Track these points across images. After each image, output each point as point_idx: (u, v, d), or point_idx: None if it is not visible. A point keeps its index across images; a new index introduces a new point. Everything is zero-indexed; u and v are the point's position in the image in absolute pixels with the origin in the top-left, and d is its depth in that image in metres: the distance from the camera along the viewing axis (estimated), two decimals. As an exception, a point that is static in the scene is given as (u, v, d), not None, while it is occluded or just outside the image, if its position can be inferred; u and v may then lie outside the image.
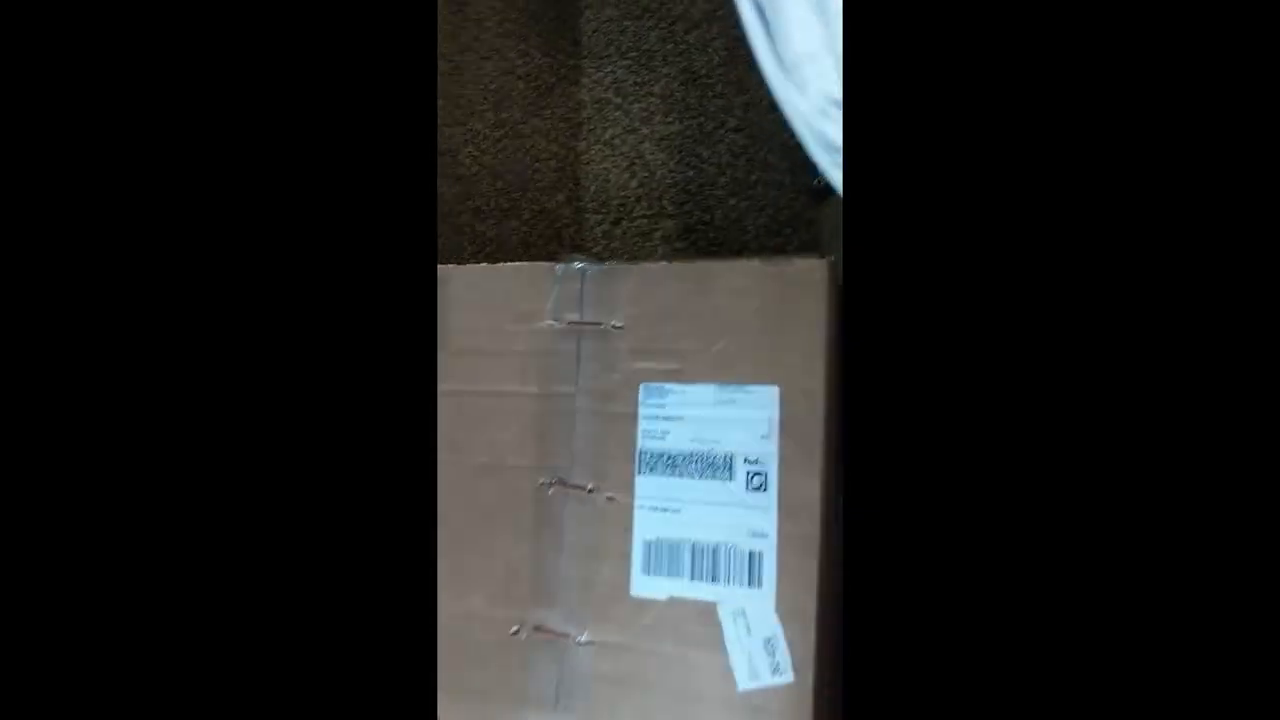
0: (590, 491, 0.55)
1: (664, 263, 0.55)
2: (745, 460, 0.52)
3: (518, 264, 0.58)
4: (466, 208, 0.87)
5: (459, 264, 0.60)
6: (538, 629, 0.55)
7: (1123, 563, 0.22)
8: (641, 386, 0.54)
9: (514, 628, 0.55)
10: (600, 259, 0.57)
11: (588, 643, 0.54)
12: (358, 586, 0.27)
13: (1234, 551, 0.22)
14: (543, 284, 0.57)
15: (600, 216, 0.82)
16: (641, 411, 0.54)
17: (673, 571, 0.53)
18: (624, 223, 0.81)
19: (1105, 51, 0.23)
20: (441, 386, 0.57)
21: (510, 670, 0.55)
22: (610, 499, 0.54)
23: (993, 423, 0.24)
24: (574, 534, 0.55)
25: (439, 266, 0.60)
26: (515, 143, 0.86)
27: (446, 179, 0.87)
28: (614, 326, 0.55)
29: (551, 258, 0.58)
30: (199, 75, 0.26)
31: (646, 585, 0.53)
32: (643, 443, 0.54)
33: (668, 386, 0.54)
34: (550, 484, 0.55)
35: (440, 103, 0.88)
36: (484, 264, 0.59)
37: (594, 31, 0.84)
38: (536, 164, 0.85)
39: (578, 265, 0.57)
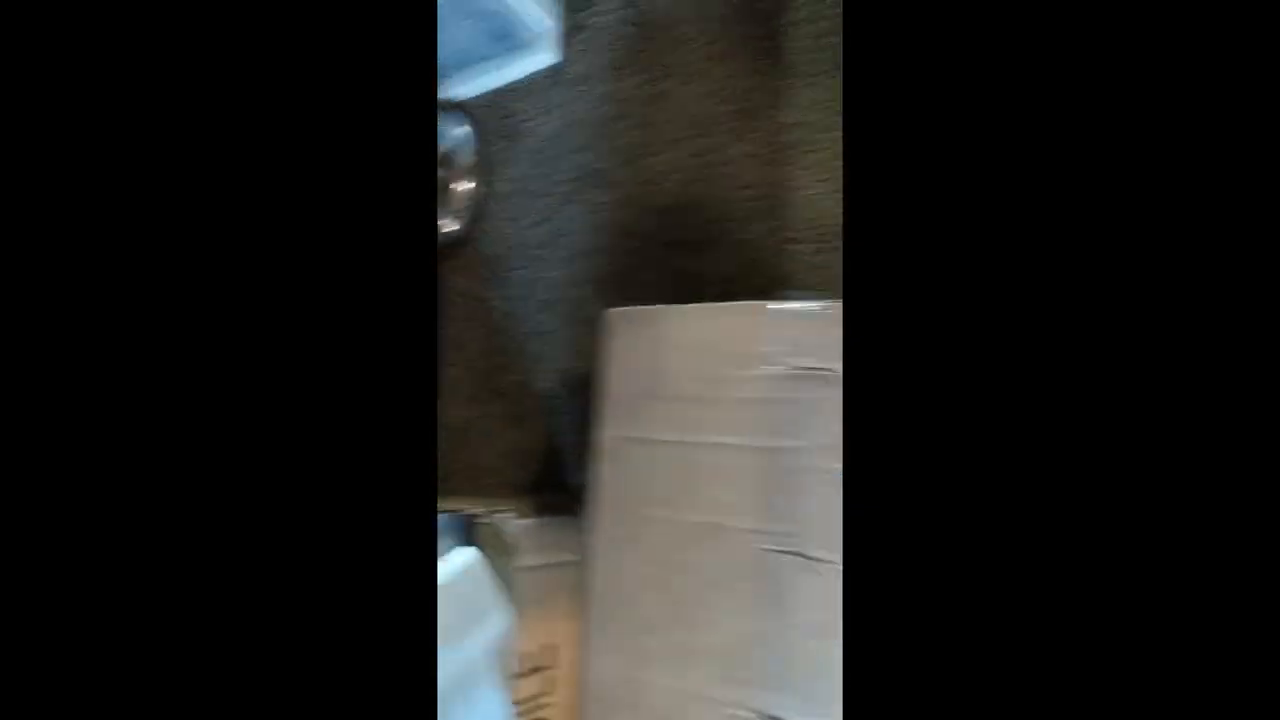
0: (826, 563, 0.48)
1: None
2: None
3: (732, 303, 0.53)
4: (666, 239, 0.83)
5: (659, 299, 0.56)
6: (763, 717, 0.48)
7: (1121, 564, 0.23)
8: (886, 442, 0.46)
9: (737, 712, 0.49)
10: (818, 294, 0.51)
11: (826, 738, 0.47)
12: (355, 601, 0.26)
13: (1234, 551, 0.22)
14: (759, 324, 0.51)
15: (807, 247, 0.75)
16: (887, 471, 0.46)
17: (928, 663, 0.44)
18: (833, 253, 0.74)
19: (1105, 57, 0.24)
20: (658, 435, 0.53)
21: (735, 760, 0.49)
22: (850, 572, 0.47)
23: (989, 423, 0.24)
24: (808, 611, 0.48)
25: (653, 307, 0.56)
26: (717, 171, 0.81)
27: (646, 211, 0.85)
28: (838, 374, 0.48)
29: (761, 293, 0.52)
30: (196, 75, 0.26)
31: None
32: (889, 508, 0.46)
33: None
34: (778, 552, 0.49)
35: (640, 131, 0.86)
36: (696, 302, 0.54)
37: (802, 48, 0.78)
38: (738, 192, 0.80)
39: (796, 303, 0.51)
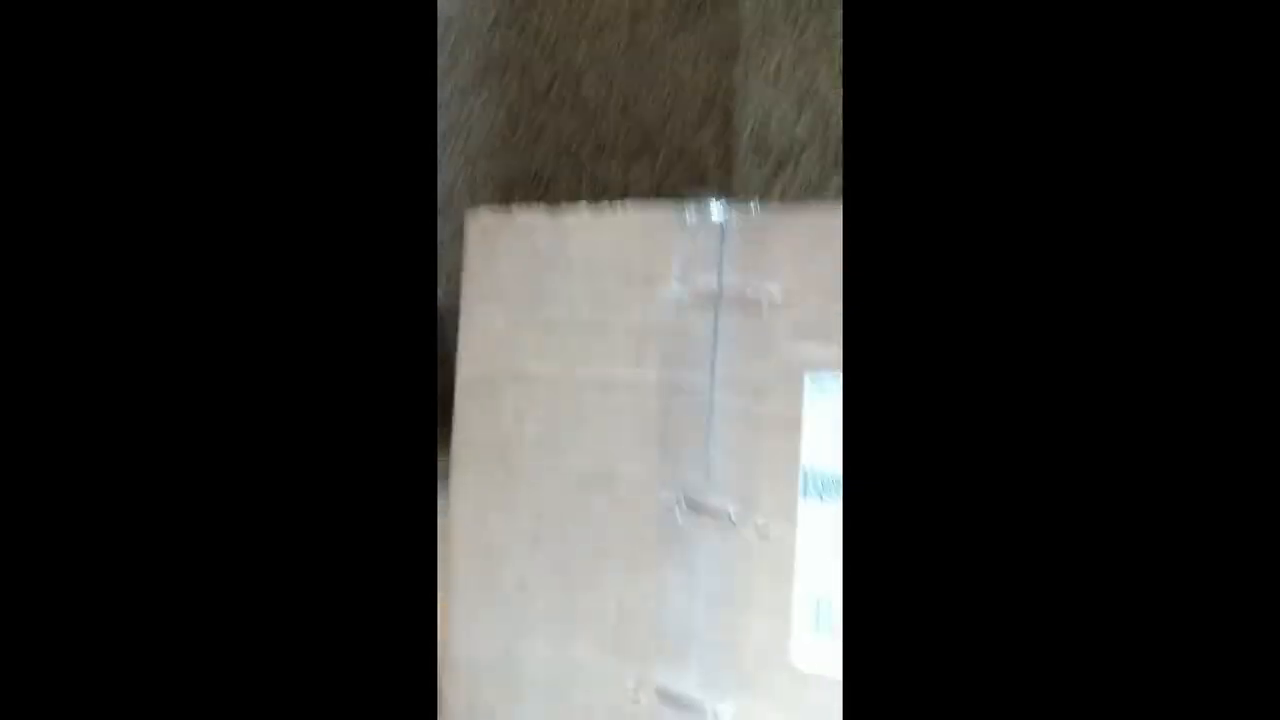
0: (733, 520, 0.40)
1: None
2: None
3: (633, 207, 0.43)
4: (588, 143, 0.73)
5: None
6: (661, 694, 0.42)
7: (1123, 566, 0.23)
8: (807, 380, 0.38)
9: (630, 687, 0.42)
10: (742, 199, 0.42)
11: (729, 720, 0.40)
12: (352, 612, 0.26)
13: (1234, 551, 0.22)
14: (668, 235, 0.42)
15: (758, 160, 0.66)
16: (808, 415, 0.38)
17: (848, 637, 0.38)
18: (789, 170, 0.64)
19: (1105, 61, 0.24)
20: (534, 369, 0.44)
21: (627, 743, 0.43)
22: (763, 533, 0.39)
23: (990, 423, 0.24)
24: (711, 574, 0.41)
25: (527, 210, 0.46)
26: (653, 67, 0.71)
27: (565, 108, 0.74)
28: (770, 297, 0.39)
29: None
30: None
31: (815, 655, 0.38)
32: (810, 459, 0.38)
33: (846, 378, 0.38)
34: (678, 504, 0.41)
35: (561, 16, 0.74)
36: (587, 206, 0.44)
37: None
38: (678, 94, 0.70)
39: (717, 209, 0.41)
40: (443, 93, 0.80)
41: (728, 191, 0.66)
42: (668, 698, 0.42)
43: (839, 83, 0.62)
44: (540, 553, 0.44)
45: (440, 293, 0.78)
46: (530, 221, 0.45)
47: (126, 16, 0.25)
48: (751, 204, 0.41)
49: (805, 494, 0.38)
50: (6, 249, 0.24)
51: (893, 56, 0.25)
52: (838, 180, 0.62)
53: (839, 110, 0.62)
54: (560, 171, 0.73)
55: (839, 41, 0.62)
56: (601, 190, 0.71)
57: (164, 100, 0.25)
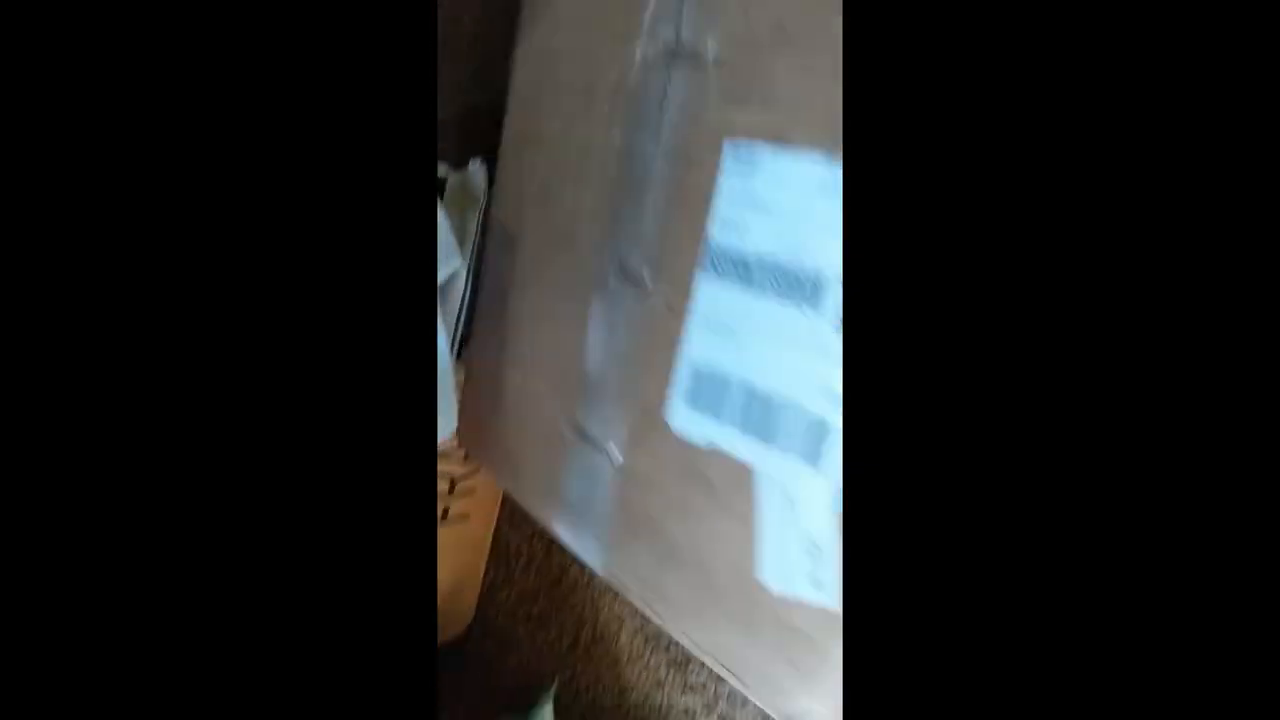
0: (649, 291, 0.42)
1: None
2: (841, 285, 0.33)
3: None
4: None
5: None
6: (577, 429, 0.47)
7: (1123, 565, 0.22)
8: (726, 147, 0.38)
9: (561, 420, 0.48)
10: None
11: (620, 467, 0.44)
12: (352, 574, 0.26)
13: (1234, 551, 0.21)
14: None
15: None
16: (721, 186, 0.38)
17: (718, 413, 0.39)
18: None
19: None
20: (545, 129, 0.49)
21: (553, 469, 0.49)
22: (669, 303, 0.41)
23: (993, 418, 0.23)
24: (624, 336, 0.44)
25: None
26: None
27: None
28: (712, 56, 0.39)
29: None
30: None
31: (688, 420, 0.40)
32: (715, 234, 0.38)
33: (760, 152, 0.36)
34: (613, 268, 0.44)
35: None
36: None
37: None
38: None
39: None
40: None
41: None
42: (580, 432, 0.46)
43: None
44: (526, 295, 0.51)
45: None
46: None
47: None
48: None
49: (705, 268, 0.39)
50: (6, 249, 0.24)
51: None
52: None
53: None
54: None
55: None
56: None
57: None
